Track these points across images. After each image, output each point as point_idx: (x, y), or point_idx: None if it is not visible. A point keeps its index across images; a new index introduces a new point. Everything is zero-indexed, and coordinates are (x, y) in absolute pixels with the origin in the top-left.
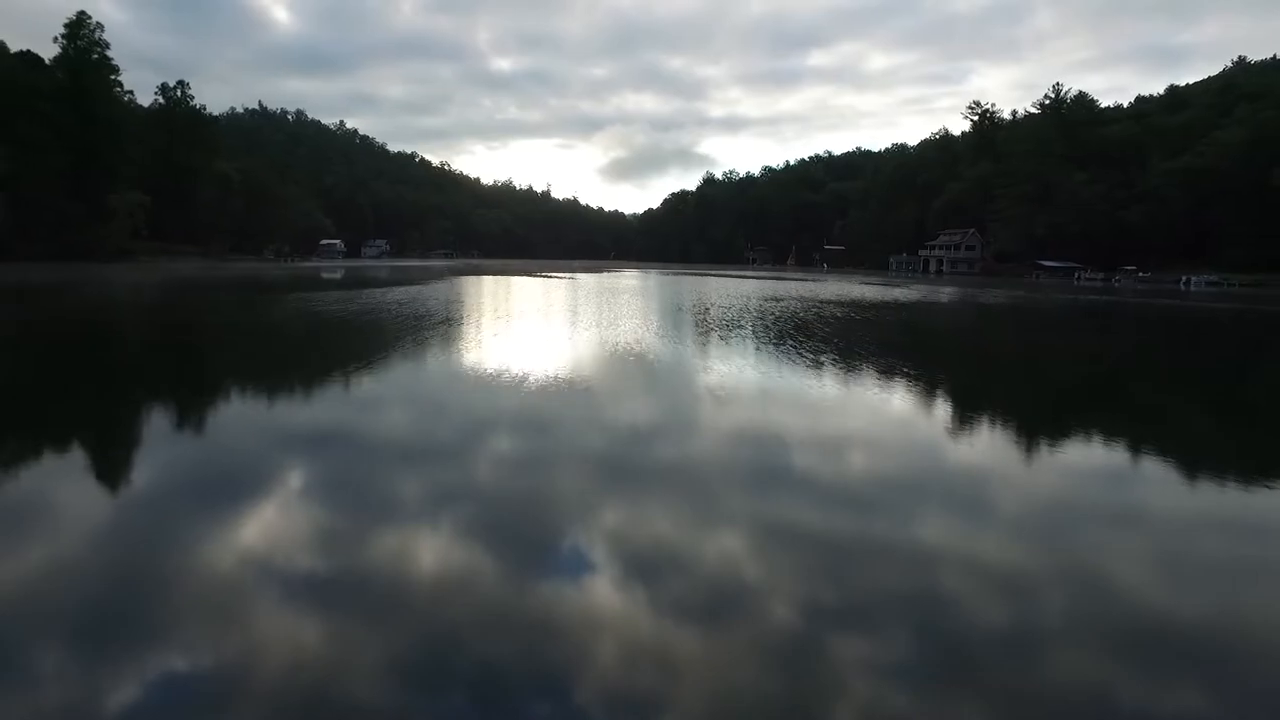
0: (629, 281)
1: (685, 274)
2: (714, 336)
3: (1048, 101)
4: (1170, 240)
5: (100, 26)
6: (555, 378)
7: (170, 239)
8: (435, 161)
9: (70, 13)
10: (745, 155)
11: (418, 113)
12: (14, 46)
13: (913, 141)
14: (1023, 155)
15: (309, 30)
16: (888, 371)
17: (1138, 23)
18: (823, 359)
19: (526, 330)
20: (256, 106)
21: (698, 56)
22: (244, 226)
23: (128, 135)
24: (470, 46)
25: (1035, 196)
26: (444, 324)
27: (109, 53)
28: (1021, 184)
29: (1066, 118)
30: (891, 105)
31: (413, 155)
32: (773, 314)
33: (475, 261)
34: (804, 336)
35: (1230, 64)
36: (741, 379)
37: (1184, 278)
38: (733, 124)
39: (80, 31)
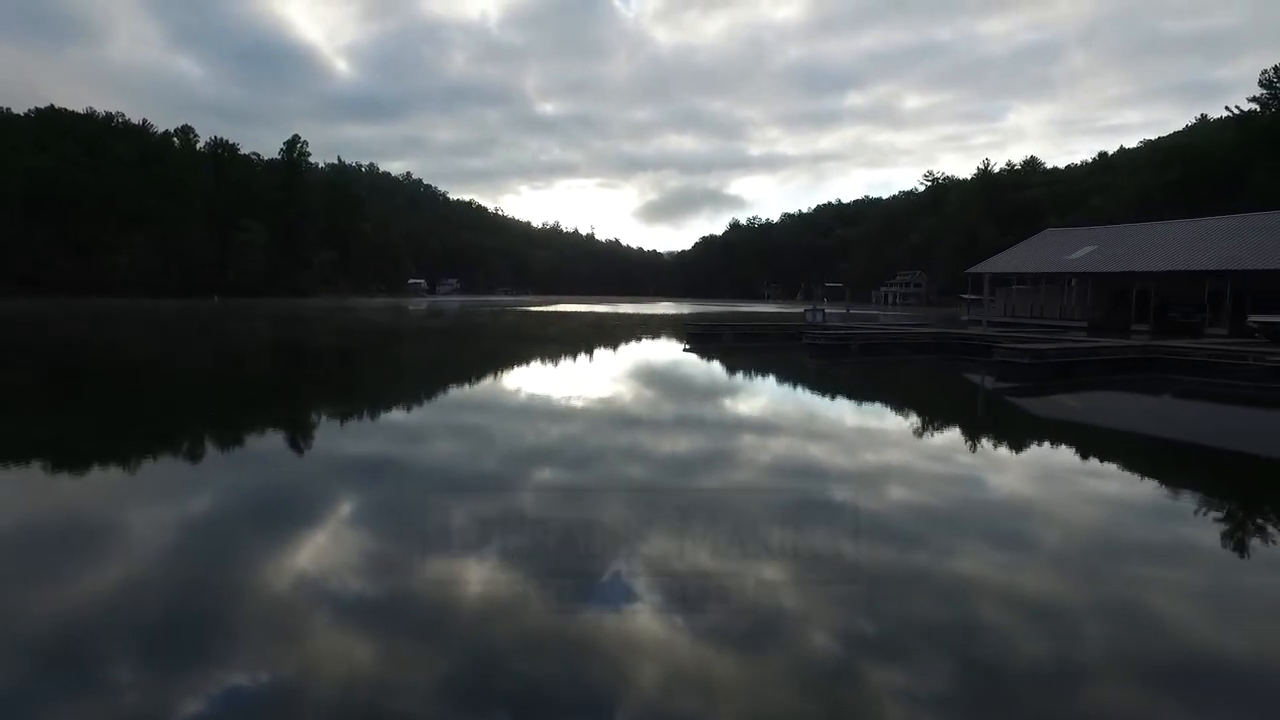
0: (670, 302)
1: (705, 305)
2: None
3: (979, 171)
4: None
5: (306, 143)
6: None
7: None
8: (490, 207)
9: (156, 71)
10: (778, 194)
11: (465, 154)
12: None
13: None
14: (956, 213)
15: (366, 79)
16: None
17: (1171, 61)
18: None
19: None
20: (335, 161)
21: (737, 99)
22: (372, 269)
23: (315, 210)
24: (518, 92)
25: (963, 245)
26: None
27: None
28: (954, 235)
29: (990, 184)
30: (929, 142)
31: (470, 202)
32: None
33: (543, 297)
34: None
35: (1193, 120)
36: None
37: None
38: (772, 162)
39: (295, 145)
